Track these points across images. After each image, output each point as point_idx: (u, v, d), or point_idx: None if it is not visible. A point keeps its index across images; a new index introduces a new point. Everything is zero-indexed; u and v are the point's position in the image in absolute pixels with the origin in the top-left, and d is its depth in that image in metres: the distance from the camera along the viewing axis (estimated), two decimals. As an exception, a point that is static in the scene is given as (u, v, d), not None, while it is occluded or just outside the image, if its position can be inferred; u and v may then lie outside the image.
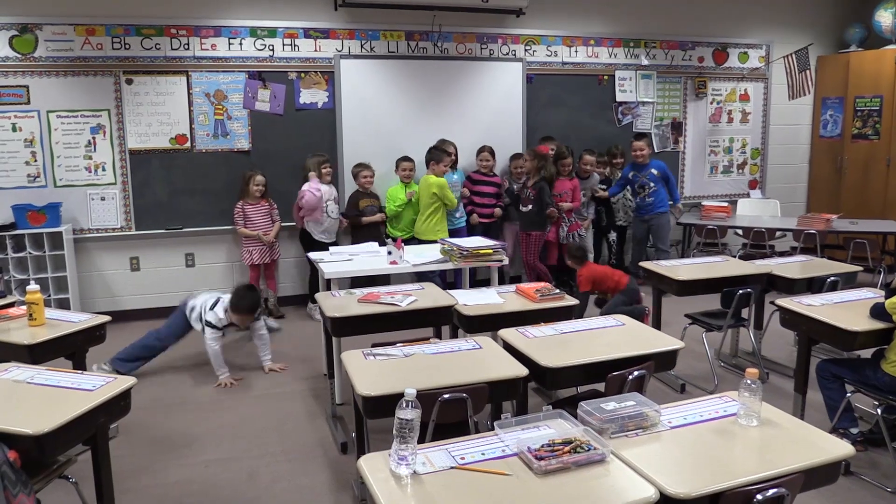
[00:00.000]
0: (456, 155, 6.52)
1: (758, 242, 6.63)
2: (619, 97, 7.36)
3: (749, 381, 2.32)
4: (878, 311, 3.37)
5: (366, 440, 2.94)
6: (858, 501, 3.22)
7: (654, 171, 6.70)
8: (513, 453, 2.12)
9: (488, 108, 6.87)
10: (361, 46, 6.44)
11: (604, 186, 7.00)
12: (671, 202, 6.78)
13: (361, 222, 6.18)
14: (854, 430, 3.52)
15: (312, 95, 6.35)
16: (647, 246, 6.88)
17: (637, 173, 6.75)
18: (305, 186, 5.95)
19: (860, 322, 3.40)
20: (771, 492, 2.01)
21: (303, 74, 6.30)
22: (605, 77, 7.28)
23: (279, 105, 6.25)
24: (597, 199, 7.02)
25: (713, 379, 4.50)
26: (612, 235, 7.22)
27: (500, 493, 1.93)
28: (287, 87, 6.27)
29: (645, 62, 7.40)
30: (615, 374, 2.85)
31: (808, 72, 7.36)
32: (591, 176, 7.00)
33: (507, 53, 6.90)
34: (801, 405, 3.71)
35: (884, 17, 7.46)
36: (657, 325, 4.59)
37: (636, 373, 2.86)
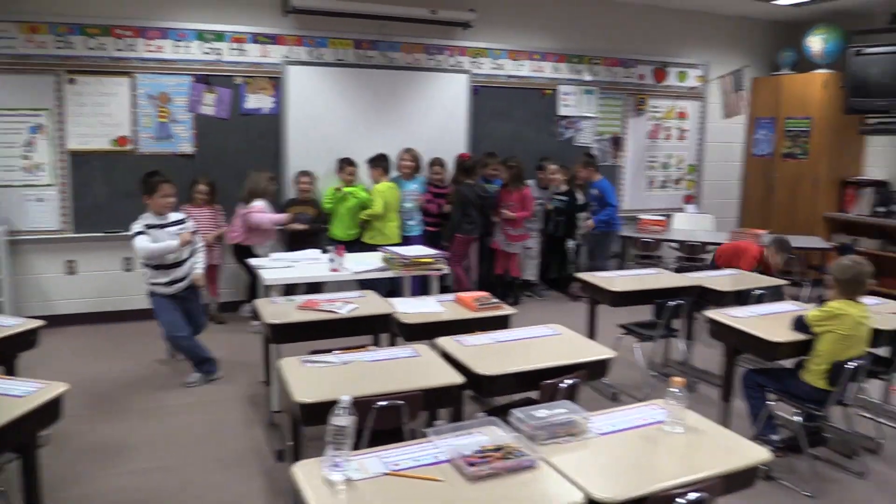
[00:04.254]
0: (417, 163, 6.62)
1: (691, 255, 6.85)
2: (562, 111, 7.52)
3: (674, 390, 2.42)
4: (799, 324, 3.54)
5: (302, 448, 2.95)
6: (778, 505, 3.37)
7: (595, 192, 6.94)
8: (445, 460, 2.16)
9: (434, 118, 6.94)
10: (309, 53, 6.44)
11: (563, 198, 7.09)
12: (603, 220, 6.98)
13: (295, 231, 6.17)
14: (775, 437, 3.67)
15: (258, 101, 6.32)
16: (592, 259, 7.07)
17: (585, 193, 7.02)
18: (257, 216, 5.90)
19: (782, 333, 3.56)
20: (692, 496, 2.10)
21: (249, 79, 6.26)
22: (548, 91, 7.43)
23: (225, 109, 6.20)
24: (557, 210, 7.13)
25: (644, 388, 4.63)
26: (571, 243, 7.32)
27: (432, 498, 1.98)
28: (233, 92, 6.22)
29: (588, 78, 7.58)
30: (548, 382, 2.92)
31: (742, 92, 7.64)
32: (552, 186, 7.14)
33: (454, 65, 6.98)
34: (727, 413, 3.85)
35: (814, 43, 7.79)
36: (591, 334, 4.71)
37: (568, 381, 2.94)
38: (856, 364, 3.35)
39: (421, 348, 3.18)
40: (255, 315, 4.04)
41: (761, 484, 3.53)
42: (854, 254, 6.88)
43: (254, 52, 6.26)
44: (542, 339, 3.37)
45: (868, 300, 4.11)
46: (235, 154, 6.24)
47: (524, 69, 7.30)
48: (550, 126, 7.51)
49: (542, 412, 2.39)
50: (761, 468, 3.55)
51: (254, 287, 5.51)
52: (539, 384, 2.95)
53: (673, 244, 7.14)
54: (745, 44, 8.33)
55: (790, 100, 8.00)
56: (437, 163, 6.76)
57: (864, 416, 4.22)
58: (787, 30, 8.32)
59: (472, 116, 7.08)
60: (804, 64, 8.05)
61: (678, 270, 5.74)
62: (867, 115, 7.29)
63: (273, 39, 6.31)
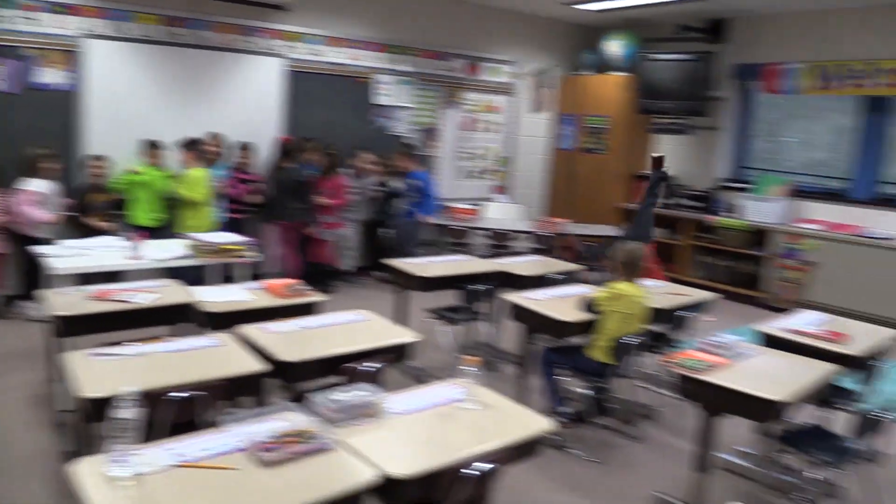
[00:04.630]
0: (222, 149, 6.37)
1: (500, 243, 7.19)
2: (379, 100, 7.58)
3: (469, 369, 2.54)
4: (587, 305, 3.84)
5: (92, 447, 2.78)
6: (568, 472, 3.65)
7: (413, 182, 7.05)
8: (241, 448, 2.14)
9: (248, 102, 6.74)
10: (112, 27, 5.99)
11: (380, 188, 7.16)
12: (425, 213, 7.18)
13: (88, 223, 5.73)
14: (567, 410, 3.97)
15: (52, 75, 5.80)
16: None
17: (398, 183, 7.09)
18: (23, 208, 5.35)
19: (573, 314, 3.85)
20: (481, 466, 2.23)
21: (42, 51, 5.73)
22: (365, 79, 7.45)
23: (13, 82, 5.63)
24: (372, 200, 7.17)
25: (450, 369, 4.81)
26: (384, 232, 7.37)
27: (225, 487, 1.95)
28: (23, 64, 5.66)
29: (405, 68, 7.69)
30: (349, 365, 2.97)
31: (549, 89, 8.09)
32: (367, 176, 7.16)
33: (269, 48, 6.81)
34: (525, 389, 4.11)
35: (612, 47, 8.42)
36: (401, 320, 4.82)
37: (371, 364, 3.00)
38: (635, 340, 3.70)
39: (224, 337, 3.11)
40: (38, 308, 3.73)
41: (554, 453, 3.81)
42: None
43: (49, 23, 5.73)
44: (348, 325, 3.40)
45: (647, 282, 4.54)
46: (25, 131, 5.68)
47: (342, 56, 7.28)
48: (367, 115, 7.55)
49: (340, 395, 2.43)
50: (553, 438, 3.84)
51: (34, 277, 4.99)
52: (341, 368, 2.98)
53: (483, 232, 7.44)
54: (553, 44, 8.83)
55: (591, 99, 8.60)
56: (244, 147, 6.54)
57: (644, 387, 4.66)
58: (590, 33, 8.91)
59: (287, 102, 6.95)
60: (604, 66, 8.67)
61: (487, 257, 6.00)
62: (656, 116, 8.00)
63: (70, 9, 5.81)
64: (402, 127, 7.78)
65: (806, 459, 3.13)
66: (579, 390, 3.96)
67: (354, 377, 2.93)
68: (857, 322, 4.23)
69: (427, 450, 2.25)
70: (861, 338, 3.75)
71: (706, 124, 8.01)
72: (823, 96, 7.38)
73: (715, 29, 7.81)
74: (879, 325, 4.23)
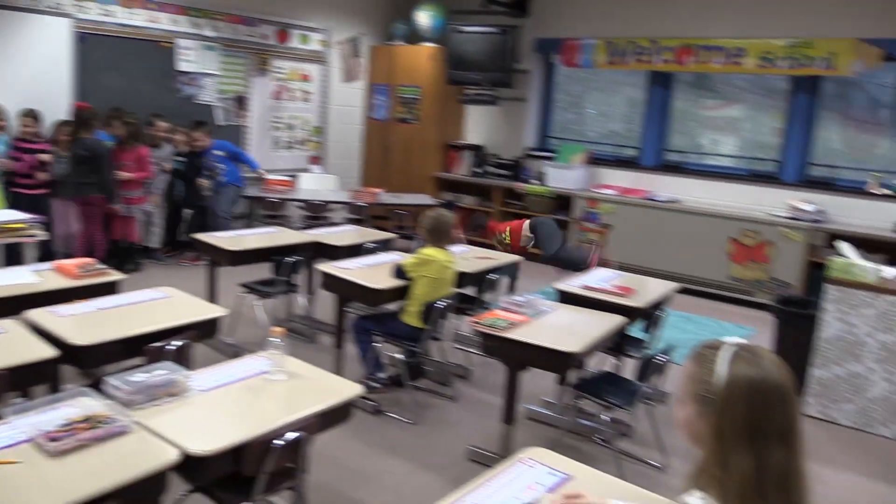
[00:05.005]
0: (3, 121, 5.72)
1: (316, 214, 7.11)
2: (182, 67, 7.17)
3: (275, 339, 2.52)
4: (397, 271, 3.92)
5: None
6: (387, 435, 3.73)
7: (219, 152, 6.76)
8: (26, 439, 1.98)
9: (32, 67, 6.11)
10: None
11: (181, 159, 6.79)
12: (253, 171, 6.92)
13: None
14: (382, 375, 4.05)
15: None
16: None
17: (203, 159, 6.74)
18: None
19: (385, 281, 3.91)
20: (290, 435, 2.23)
21: None
22: (167, 44, 7.02)
23: None
24: (174, 173, 6.79)
25: (265, 344, 4.72)
26: (187, 212, 7.03)
27: (9, 483, 1.81)
28: None
29: (209, 34, 7.32)
30: (153, 346, 2.83)
31: (360, 59, 8.05)
32: (164, 146, 6.75)
33: (54, 7, 6.20)
34: (340, 358, 4.13)
35: (422, 18, 8.50)
36: (211, 296, 4.67)
37: (175, 343, 2.88)
38: (444, 303, 3.83)
39: (8, 324, 2.84)
40: None
41: (371, 419, 3.88)
42: (455, 209, 7.80)
43: None
44: (150, 304, 3.24)
45: (457, 248, 4.70)
46: None
47: (138, 18, 6.79)
48: (170, 82, 7.13)
49: (139, 376, 2.32)
50: (369, 404, 3.91)
51: None
52: (143, 349, 2.84)
53: (298, 203, 7.33)
54: (364, 13, 8.77)
55: (402, 69, 8.66)
56: (28, 114, 5.86)
57: (458, 348, 4.86)
58: (401, 4, 8.93)
59: (77, 67, 6.39)
60: (415, 36, 8.76)
61: (303, 229, 5.93)
62: (465, 87, 8.22)
63: None
64: (208, 95, 7.43)
65: (600, 404, 3.42)
66: (394, 355, 4.05)
67: (160, 357, 2.81)
68: (645, 277, 4.65)
69: (233, 424, 2.21)
70: (646, 291, 4.13)
71: (513, 96, 8.35)
72: (617, 70, 7.95)
73: (519, 3, 8.13)
74: (664, 279, 4.69)
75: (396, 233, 5.75)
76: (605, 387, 3.51)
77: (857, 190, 6.59)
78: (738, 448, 1.33)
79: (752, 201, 7.00)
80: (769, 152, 7.22)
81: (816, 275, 5.71)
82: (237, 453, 2.14)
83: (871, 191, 6.47)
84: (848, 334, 4.14)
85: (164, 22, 6.98)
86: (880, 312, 4.03)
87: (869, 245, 6.09)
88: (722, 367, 1.38)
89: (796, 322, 4.52)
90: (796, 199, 6.64)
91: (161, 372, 2.36)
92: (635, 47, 7.49)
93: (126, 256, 6.35)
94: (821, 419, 4.26)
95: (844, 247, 4.42)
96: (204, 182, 6.77)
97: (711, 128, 7.83)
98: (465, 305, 4.52)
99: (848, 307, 4.13)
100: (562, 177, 7.87)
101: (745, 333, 5.80)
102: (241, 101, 7.75)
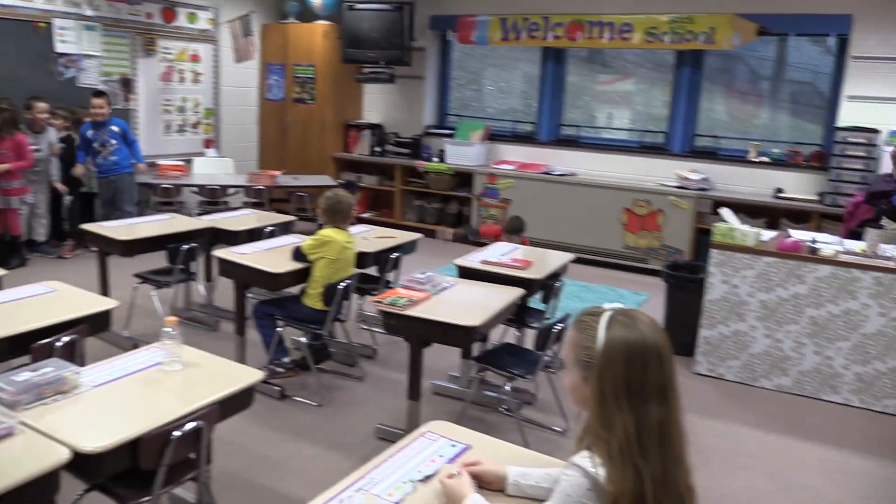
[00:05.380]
0: None
1: (213, 199, 6.92)
2: (60, 48, 6.79)
3: (168, 329, 2.45)
4: (297, 254, 3.88)
5: None
6: (293, 420, 3.71)
7: (115, 129, 6.42)
8: None
9: None
10: None
11: (62, 145, 6.43)
12: (133, 162, 6.57)
13: None
14: (286, 359, 4.02)
15: None
16: (115, 208, 6.54)
17: (97, 131, 6.35)
18: None
19: (285, 265, 3.86)
20: (188, 426, 2.19)
21: None
22: (42, 24, 6.62)
23: None
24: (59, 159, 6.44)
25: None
26: (67, 199, 6.68)
27: None
28: None
29: (88, 13, 6.95)
30: (40, 343, 2.71)
31: (251, 38, 7.84)
32: (48, 130, 6.36)
33: None
34: (243, 345, 4.07)
35: (315, -6, 8.35)
36: (104, 289, 4.50)
37: (65, 338, 2.77)
38: (346, 284, 3.82)
39: None
40: None
41: (277, 404, 3.85)
42: (356, 190, 7.76)
43: None
44: (34, 299, 3.08)
45: (358, 228, 4.70)
46: None
47: (9, -3, 6.37)
48: (49, 65, 6.73)
49: (24, 375, 2.21)
50: (275, 389, 3.87)
51: None
52: (30, 347, 2.71)
53: (193, 189, 7.11)
54: (253, -10, 8.54)
55: (296, 48, 8.48)
56: None
57: (363, 328, 4.86)
58: (291, -21, 8.74)
59: (-62, 49, 5.96)
60: (308, 14, 8.58)
61: (201, 215, 5.77)
62: (362, 65, 8.14)
63: None
64: (91, 77, 7.07)
65: (502, 374, 3.50)
66: (298, 339, 4.01)
67: (47, 354, 2.68)
68: (544, 250, 4.78)
69: (128, 418, 2.15)
70: (544, 263, 4.24)
71: (410, 73, 8.34)
72: (514, 47, 8.06)
73: (412, -20, 8.09)
74: (563, 251, 4.83)
75: (297, 215, 5.68)
76: (507, 358, 3.60)
77: (740, 158, 6.97)
78: (619, 408, 1.41)
79: (644, 172, 7.29)
80: (660, 124, 7.51)
81: (704, 240, 6.01)
82: (133, 448, 2.09)
83: (752, 159, 6.85)
84: (732, 295, 4.40)
85: (37, 1, 6.57)
86: (759, 273, 4.30)
87: (751, 210, 6.48)
88: (601, 332, 1.45)
89: (685, 286, 4.76)
90: (684, 169, 6.96)
91: (48, 370, 2.26)
92: (528, 24, 7.60)
93: (10, 251, 6.00)
94: (710, 376, 4.51)
95: (725, 212, 4.67)
96: (79, 170, 6.40)
97: (606, 102, 8.08)
98: (367, 285, 4.53)
99: (731, 270, 4.37)
100: (461, 154, 7.94)
101: (640, 299, 6.06)
102: (127, 84, 7.41)
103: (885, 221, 4.63)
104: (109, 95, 6.62)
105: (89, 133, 6.35)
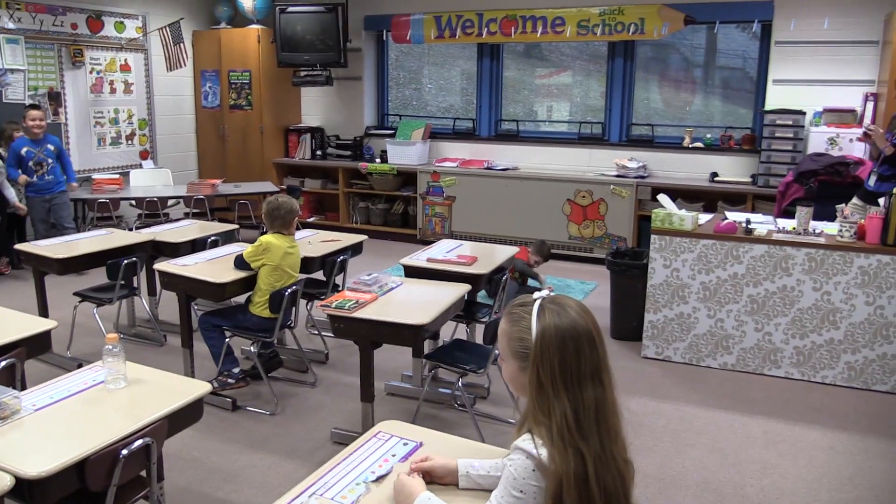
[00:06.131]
0: None
1: (152, 211, 6.78)
2: (-18, 63, 6.56)
3: (109, 347, 2.40)
4: (239, 262, 3.83)
5: None
6: (247, 430, 3.67)
7: (51, 147, 6.24)
8: None
9: None
10: None
11: None
12: (65, 179, 6.37)
13: None
14: (236, 370, 3.97)
15: None
16: (51, 226, 6.34)
17: (32, 149, 6.15)
18: None
19: (229, 274, 3.81)
20: (136, 444, 2.15)
21: None
22: (-39, 40, 6.40)
23: None
24: None
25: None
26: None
27: None
28: None
29: (10, 25, 6.72)
30: (-25, 369, 2.62)
31: (182, 45, 7.69)
32: None
33: None
34: (191, 359, 4.00)
35: (245, -1, 8.24)
36: (42, 309, 4.38)
37: (2, 363, 2.68)
38: (291, 290, 3.79)
39: None
40: None
41: (230, 414, 3.80)
42: (300, 195, 7.69)
43: None
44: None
45: (302, 232, 4.67)
46: None
47: (-79, 12, 6.13)
48: (-28, 81, 6.51)
49: (-41, 403, 2.15)
50: (226, 400, 3.82)
51: None
52: (-35, 374, 2.62)
53: (131, 202, 6.95)
54: (181, -4, 8.38)
55: (230, 53, 8.36)
56: None
57: (313, 333, 4.83)
58: (220, -16, 8.62)
59: None
60: (240, 19, 8.47)
61: (140, 228, 5.64)
62: (298, 68, 8.07)
63: None
64: (17, 92, 6.84)
65: (454, 370, 3.52)
66: (247, 348, 3.97)
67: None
68: (490, 245, 4.82)
69: (73, 439, 2.10)
70: (489, 258, 4.28)
71: (347, 75, 8.30)
72: (450, 44, 8.09)
73: (343, -19, 8.04)
74: (509, 245, 4.88)
75: (240, 223, 5.61)
76: (458, 354, 3.63)
77: (675, 145, 7.13)
78: (556, 394, 1.45)
79: (584, 163, 7.41)
80: (598, 115, 7.63)
81: (645, 227, 6.14)
82: (81, 469, 2.04)
83: (687, 145, 7.03)
84: (673, 279, 4.51)
85: (-46, 15, 6.34)
86: (698, 255, 4.42)
87: (689, 195, 6.65)
88: (533, 322, 1.48)
89: (629, 272, 4.86)
90: (622, 158, 7.09)
91: (-16, 395, 2.19)
92: (462, 21, 7.64)
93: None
94: (657, 359, 4.62)
95: (663, 198, 4.78)
96: (23, 179, 6.17)
97: (544, 95, 8.17)
98: (315, 290, 4.50)
99: (671, 254, 4.48)
100: (403, 153, 7.94)
101: (588, 288, 6.16)
102: (55, 97, 7.20)
103: (854, 200, 4.73)
104: (47, 110, 6.44)
105: (24, 151, 6.15)
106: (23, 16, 6.85)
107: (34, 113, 6.16)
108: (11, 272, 6.38)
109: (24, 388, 2.68)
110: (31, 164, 6.16)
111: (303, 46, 7.91)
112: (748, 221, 4.46)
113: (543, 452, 1.44)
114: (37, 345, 2.98)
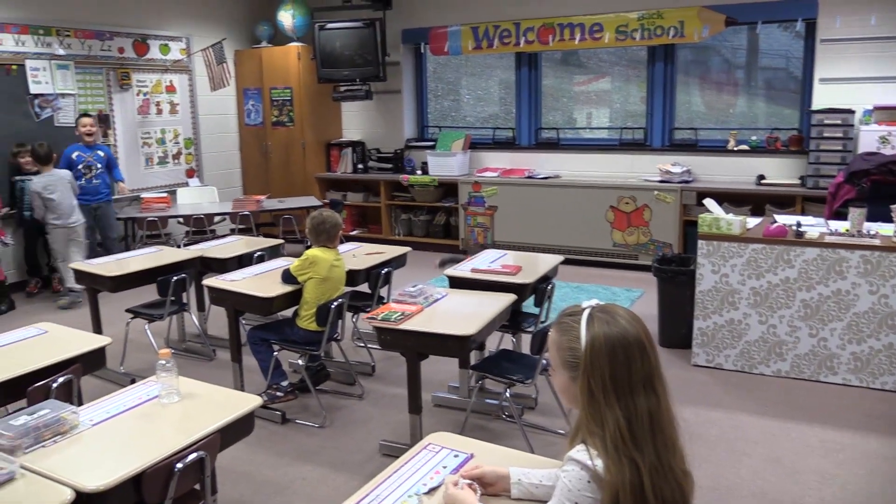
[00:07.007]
0: None
1: (199, 228, 6.91)
2: (34, 89, 6.76)
3: (163, 362, 2.45)
4: (286, 276, 3.87)
5: None
6: (296, 443, 3.70)
7: (101, 153, 6.49)
8: None
9: None
10: None
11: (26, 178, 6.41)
12: (115, 180, 6.66)
13: None
14: (285, 383, 4.00)
15: None
16: (97, 244, 6.52)
17: (83, 153, 6.40)
18: None
19: (276, 289, 3.86)
20: (190, 457, 2.18)
21: None
22: (14, 67, 6.61)
23: None
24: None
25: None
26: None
27: None
28: None
29: (60, 52, 6.94)
30: (36, 385, 2.69)
31: (225, 64, 7.85)
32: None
33: None
34: (240, 372, 4.05)
35: (285, 17, 8.36)
36: (96, 326, 4.48)
37: (60, 379, 2.75)
38: (338, 303, 3.82)
39: None
40: None
41: (279, 428, 3.83)
42: (342, 208, 7.76)
43: None
44: (26, 343, 3.07)
45: (346, 245, 4.71)
46: None
47: (-22, 42, 6.36)
48: (25, 107, 6.71)
49: (21, 419, 2.20)
50: (276, 413, 3.86)
51: None
52: (26, 391, 2.70)
53: (179, 220, 7.09)
54: (224, 17, 8.54)
55: (271, 71, 8.50)
56: None
57: (359, 346, 4.86)
58: (261, 4, 8.77)
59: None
60: (280, 37, 8.61)
61: (188, 245, 5.75)
62: (337, 84, 8.16)
63: None
64: (68, 116, 7.04)
65: (501, 381, 3.50)
66: (295, 362, 4.00)
67: (43, 396, 2.67)
68: (533, 254, 4.80)
69: (129, 454, 2.14)
70: (533, 267, 4.25)
71: (386, 88, 8.37)
72: (488, 55, 8.10)
73: (379, -4, 8.12)
74: (553, 253, 4.84)
75: (285, 238, 5.68)
76: (505, 364, 3.60)
77: (720, 148, 7.02)
78: (608, 403, 1.42)
79: (626, 169, 7.33)
80: (639, 120, 7.56)
81: (691, 232, 6.04)
82: (137, 483, 2.08)
83: (731, 148, 6.90)
84: (722, 285, 4.42)
85: (7, 44, 6.56)
86: (748, 260, 4.32)
87: (735, 198, 6.52)
88: (582, 331, 1.46)
89: (676, 279, 4.78)
90: (665, 163, 7.00)
91: (45, 412, 2.25)
92: (500, 31, 7.65)
93: (-3, 297, 5.98)
94: (708, 367, 4.53)
95: (710, 202, 4.70)
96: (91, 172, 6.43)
97: (584, 102, 8.12)
98: (360, 303, 4.53)
99: (719, 259, 4.40)
100: (444, 164, 7.96)
101: (633, 296, 6.08)
102: (104, 120, 7.39)
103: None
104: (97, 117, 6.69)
105: (74, 155, 6.40)
106: (72, 42, 7.06)
107: (85, 120, 6.46)
108: (41, 292, 6.55)
109: (80, 403, 2.74)
110: (80, 167, 6.40)
111: (342, 62, 8.00)
112: (799, 224, 4.35)
113: (599, 463, 1.42)
114: (92, 361, 3.06)
